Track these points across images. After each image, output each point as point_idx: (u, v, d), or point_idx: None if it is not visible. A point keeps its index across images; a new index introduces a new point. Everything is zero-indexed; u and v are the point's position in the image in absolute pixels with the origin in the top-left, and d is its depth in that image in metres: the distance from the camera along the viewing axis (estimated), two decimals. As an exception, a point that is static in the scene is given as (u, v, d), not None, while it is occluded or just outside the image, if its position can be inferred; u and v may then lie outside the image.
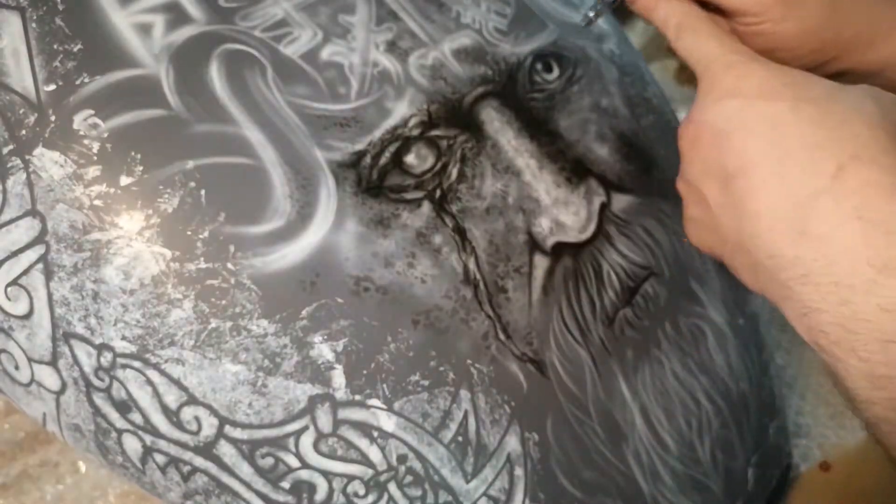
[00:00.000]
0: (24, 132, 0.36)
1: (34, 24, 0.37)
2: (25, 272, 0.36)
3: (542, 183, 0.42)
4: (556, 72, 0.46)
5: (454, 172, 0.41)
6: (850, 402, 0.27)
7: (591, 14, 0.38)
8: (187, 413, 0.37)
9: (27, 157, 0.36)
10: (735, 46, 0.32)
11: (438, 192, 0.40)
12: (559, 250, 0.42)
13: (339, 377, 0.37)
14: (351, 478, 0.38)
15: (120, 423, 0.38)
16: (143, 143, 0.36)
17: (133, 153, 0.36)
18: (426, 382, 0.38)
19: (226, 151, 0.36)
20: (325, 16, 0.41)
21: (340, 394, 0.37)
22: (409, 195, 0.39)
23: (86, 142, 0.36)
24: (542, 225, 0.41)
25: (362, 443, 0.37)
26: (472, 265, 0.40)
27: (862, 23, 0.34)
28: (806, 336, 0.28)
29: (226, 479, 0.38)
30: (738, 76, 0.30)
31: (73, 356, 0.37)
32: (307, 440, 0.37)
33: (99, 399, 0.37)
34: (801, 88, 0.28)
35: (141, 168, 0.36)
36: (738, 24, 0.34)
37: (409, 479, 0.38)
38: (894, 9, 0.34)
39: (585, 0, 0.50)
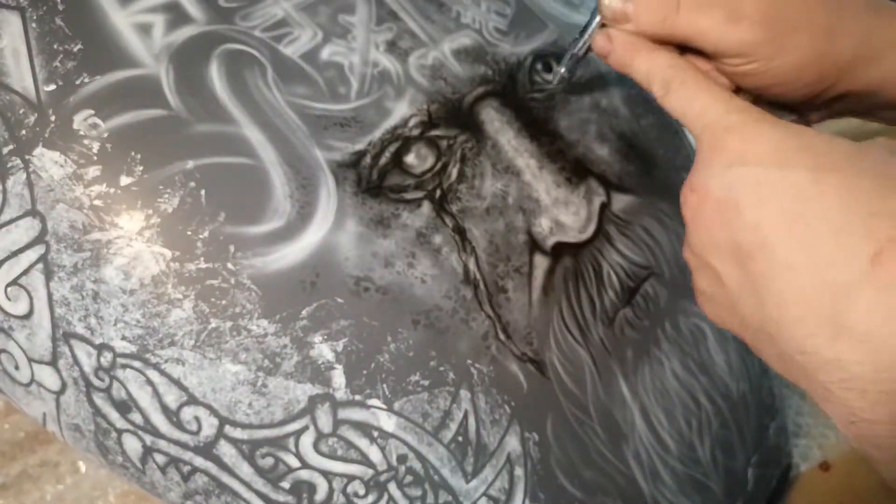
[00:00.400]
0: (24, 132, 0.36)
1: (34, 24, 0.37)
2: (25, 272, 0.37)
3: (542, 183, 0.42)
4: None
5: (454, 172, 0.41)
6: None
7: (564, 71, 0.37)
8: (187, 413, 0.37)
9: (27, 156, 0.36)
10: (735, 102, 0.28)
11: (438, 192, 0.40)
12: (559, 250, 0.42)
13: (339, 377, 0.37)
14: (351, 478, 0.38)
15: (120, 423, 0.38)
16: (144, 143, 0.36)
17: (133, 153, 0.36)
18: (426, 382, 0.38)
19: (226, 151, 0.36)
20: (325, 16, 0.41)
21: (340, 394, 0.37)
22: (409, 195, 0.39)
23: (86, 142, 0.36)
24: (542, 225, 0.42)
25: (362, 443, 0.37)
26: (472, 265, 0.40)
27: (860, 44, 0.31)
28: (856, 444, 0.24)
29: (226, 479, 0.38)
30: (744, 139, 0.26)
31: (73, 356, 0.37)
32: (307, 440, 0.37)
33: (99, 399, 0.37)
34: (821, 155, 0.25)
35: (141, 168, 0.36)
36: (723, 65, 0.31)
37: (409, 479, 0.38)
38: (889, 18, 0.31)
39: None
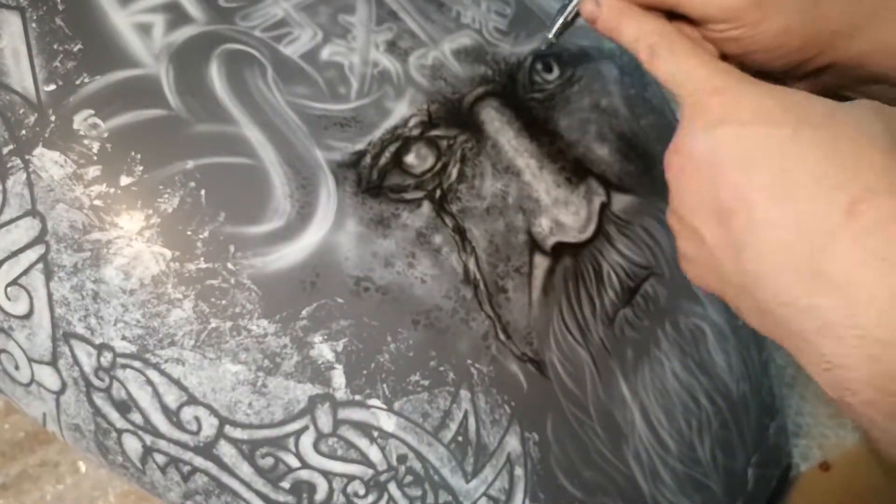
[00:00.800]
0: (24, 132, 0.36)
1: (34, 24, 0.37)
2: (25, 272, 0.37)
3: (542, 183, 0.42)
4: (556, 72, 0.46)
5: (454, 172, 0.41)
6: (887, 461, 0.25)
7: (551, 37, 0.37)
8: (187, 413, 0.37)
9: (27, 157, 0.36)
10: (719, 66, 0.29)
11: (438, 192, 0.40)
12: (559, 250, 0.42)
13: (339, 377, 0.37)
14: (351, 478, 0.38)
15: (120, 423, 0.38)
16: (144, 143, 0.36)
17: (133, 153, 0.36)
18: (426, 382, 0.38)
19: (226, 151, 0.37)
20: (325, 16, 0.41)
21: (340, 394, 0.37)
22: (409, 195, 0.39)
23: (86, 142, 0.36)
24: (542, 225, 0.42)
25: (362, 443, 0.37)
26: (472, 265, 0.40)
27: (845, 13, 0.31)
28: (830, 392, 0.25)
29: (226, 478, 0.38)
30: (728, 100, 0.27)
31: (73, 356, 0.37)
32: (307, 440, 0.37)
33: (99, 399, 0.37)
34: (802, 111, 0.26)
35: (141, 168, 0.36)
36: (709, 31, 0.31)
37: (409, 478, 0.38)
38: None
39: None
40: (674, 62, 0.29)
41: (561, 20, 0.36)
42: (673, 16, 0.32)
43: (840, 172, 0.24)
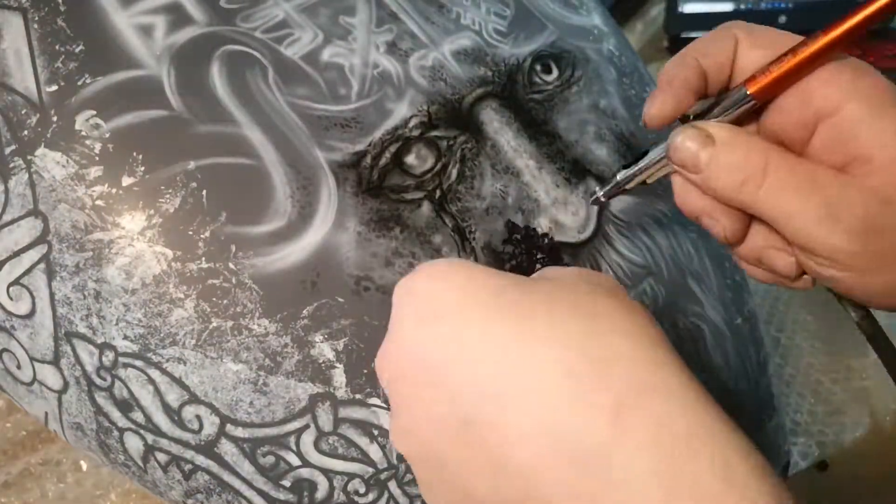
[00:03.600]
0: (26, 132, 0.36)
1: (36, 25, 0.37)
2: (27, 272, 0.37)
3: (542, 183, 0.42)
4: (555, 73, 0.46)
5: (454, 173, 0.41)
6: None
7: (601, 194, 0.35)
8: (189, 412, 0.37)
9: (29, 157, 0.36)
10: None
11: (438, 193, 0.40)
12: (558, 250, 0.42)
13: (339, 376, 0.37)
14: (351, 476, 0.38)
15: (122, 421, 0.38)
16: (145, 143, 0.36)
17: (135, 153, 0.36)
18: (426, 381, 0.38)
19: (227, 152, 0.37)
20: (325, 17, 0.41)
21: (341, 392, 0.37)
22: (410, 195, 0.40)
23: (88, 142, 0.36)
24: (542, 225, 0.42)
25: (363, 441, 0.37)
26: (471, 265, 0.40)
27: None
28: None
29: (227, 477, 0.38)
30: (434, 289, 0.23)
31: (75, 355, 0.37)
32: (308, 438, 0.37)
33: (101, 398, 0.38)
34: (493, 293, 0.22)
35: (143, 168, 0.36)
36: (806, 259, 0.27)
37: (409, 477, 0.38)
38: None
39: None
40: None
41: (618, 183, 0.33)
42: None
43: (587, 368, 0.20)
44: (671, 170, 0.30)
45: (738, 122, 0.29)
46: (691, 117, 0.29)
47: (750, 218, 0.28)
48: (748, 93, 0.27)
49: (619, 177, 0.33)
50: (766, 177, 0.25)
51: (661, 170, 0.31)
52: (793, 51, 0.26)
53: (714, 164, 0.27)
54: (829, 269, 0.26)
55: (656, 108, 0.29)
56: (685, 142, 0.27)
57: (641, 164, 0.32)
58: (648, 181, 0.32)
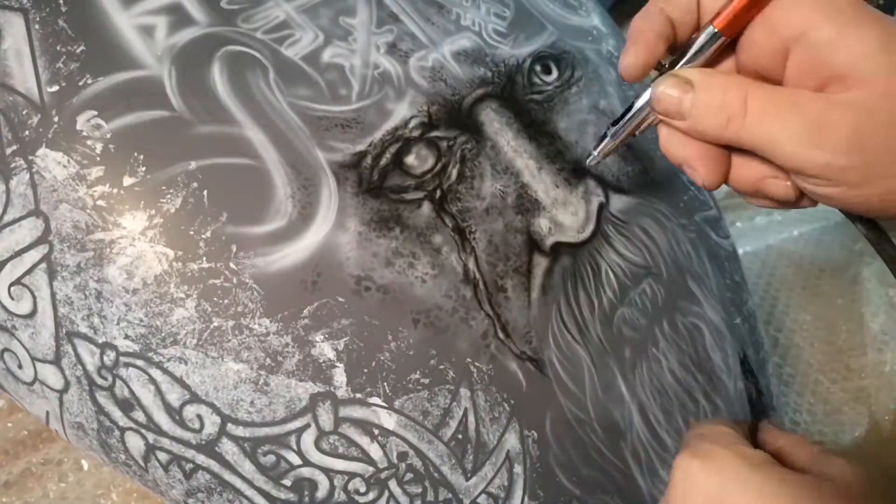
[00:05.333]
0: (27, 133, 0.36)
1: (37, 26, 0.37)
2: (29, 272, 0.37)
3: (541, 183, 0.42)
4: (554, 73, 0.46)
5: (454, 173, 0.41)
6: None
7: (598, 154, 0.35)
8: (190, 411, 0.37)
9: (30, 157, 0.36)
10: None
11: (438, 193, 0.40)
12: (558, 250, 0.42)
13: (340, 375, 0.37)
14: (352, 475, 0.38)
15: (123, 421, 0.38)
16: (146, 143, 0.36)
17: (136, 154, 0.36)
18: (426, 381, 0.38)
19: (228, 152, 0.37)
20: (326, 18, 0.41)
21: (341, 392, 0.37)
22: (410, 195, 0.40)
23: (89, 142, 0.36)
24: (541, 225, 0.42)
25: (363, 440, 0.38)
26: (471, 265, 0.40)
27: None
28: None
29: (228, 476, 0.38)
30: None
31: (77, 355, 0.37)
32: (309, 438, 0.37)
33: (102, 397, 0.38)
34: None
35: (144, 169, 0.36)
36: (800, 181, 0.27)
37: (409, 476, 0.39)
38: None
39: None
40: None
41: (611, 137, 0.34)
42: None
43: None
44: (656, 118, 0.30)
45: (714, 63, 0.29)
46: (666, 66, 0.30)
47: (727, 164, 0.29)
48: (715, 30, 0.28)
49: (609, 133, 0.34)
50: (748, 109, 0.26)
51: (647, 120, 0.32)
52: None
53: (696, 108, 0.27)
54: (822, 188, 0.26)
55: (629, 59, 0.29)
56: (665, 90, 0.28)
57: (628, 117, 0.32)
58: (637, 133, 0.32)
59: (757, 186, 0.30)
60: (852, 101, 0.25)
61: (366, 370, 0.37)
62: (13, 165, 0.36)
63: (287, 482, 0.38)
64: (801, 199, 0.30)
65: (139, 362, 0.36)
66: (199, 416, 0.37)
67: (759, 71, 0.28)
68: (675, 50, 0.30)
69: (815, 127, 0.25)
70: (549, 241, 0.42)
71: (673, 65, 0.30)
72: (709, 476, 0.32)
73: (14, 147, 0.36)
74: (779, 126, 0.26)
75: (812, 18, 0.26)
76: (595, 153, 0.35)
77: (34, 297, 0.37)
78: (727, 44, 0.29)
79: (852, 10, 0.26)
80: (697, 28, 0.30)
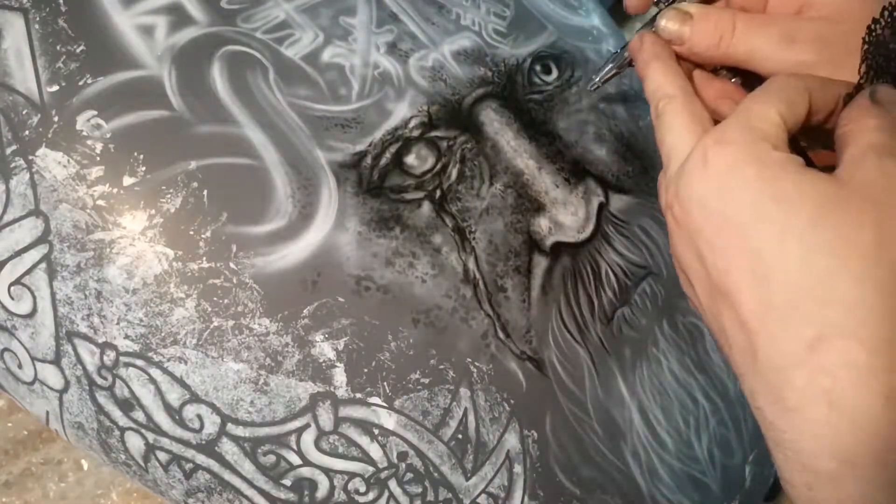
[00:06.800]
0: (27, 133, 0.36)
1: (37, 26, 0.37)
2: (29, 272, 0.37)
3: (541, 183, 0.42)
4: (554, 73, 0.46)
5: (454, 173, 0.41)
6: None
7: (598, 80, 0.38)
8: (190, 411, 0.37)
9: (30, 157, 0.36)
10: (704, 144, 0.27)
11: (438, 193, 0.40)
12: (558, 250, 0.42)
13: (340, 375, 0.37)
14: (352, 475, 0.38)
15: (123, 421, 0.38)
16: (146, 143, 0.36)
17: (136, 153, 0.36)
18: (426, 380, 0.38)
19: (228, 152, 0.37)
20: (326, 17, 0.41)
21: (341, 392, 0.37)
22: (410, 195, 0.40)
23: (89, 142, 0.36)
24: (541, 225, 0.42)
25: (363, 440, 0.38)
26: (471, 264, 0.40)
27: None
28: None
29: (228, 476, 0.38)
30: (719, 185, 0.26)
31: (77, 355, 0.37)
32: (308, 438, 0.37)
33: (102, 397, 0.38)
34: (791, 208, 0.24)
35: (144, 168, 0.36)
36: None
37: (409, 476, 0.39)
38: None
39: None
40: (671, 134, 0.30)
41: (612, 66, 0.38)
42: (740, 72, 0.33)
43: (810, 301, 0.24)
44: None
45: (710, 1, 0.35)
46: (664, 4, 0.35)
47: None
48: None
49: (610, 63, 0.38)
50: (735, 28, 0.31)
51: (639, 33, 0.35)
52: None
53: (694, 33, 0.33)
54: None
55: None
56: (668, 22, 0.33)
57: (627, 43, 0.36)
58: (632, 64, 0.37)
59: (715, 105, 0.34)
60: (819, 16, 0.31)
61: (366, 370, 0.37)
62: (13, 165, 0.36)
63: (287, 482, 0.38)
64: None
65: (139, 362, 0.36)
66: (199, 416, 0.37)
67: (746, 6, 0.33)
68: None
69: (787, 33, 0.30)
70: (549, 241, 0.42)
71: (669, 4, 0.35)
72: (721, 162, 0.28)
73: (14, 147, 0.36)
74: (760, 38, 0.31)
75: None
76: (597, 79, 0.39)
77: (34, 297, 0.37)
78: None
79: None
80: None
